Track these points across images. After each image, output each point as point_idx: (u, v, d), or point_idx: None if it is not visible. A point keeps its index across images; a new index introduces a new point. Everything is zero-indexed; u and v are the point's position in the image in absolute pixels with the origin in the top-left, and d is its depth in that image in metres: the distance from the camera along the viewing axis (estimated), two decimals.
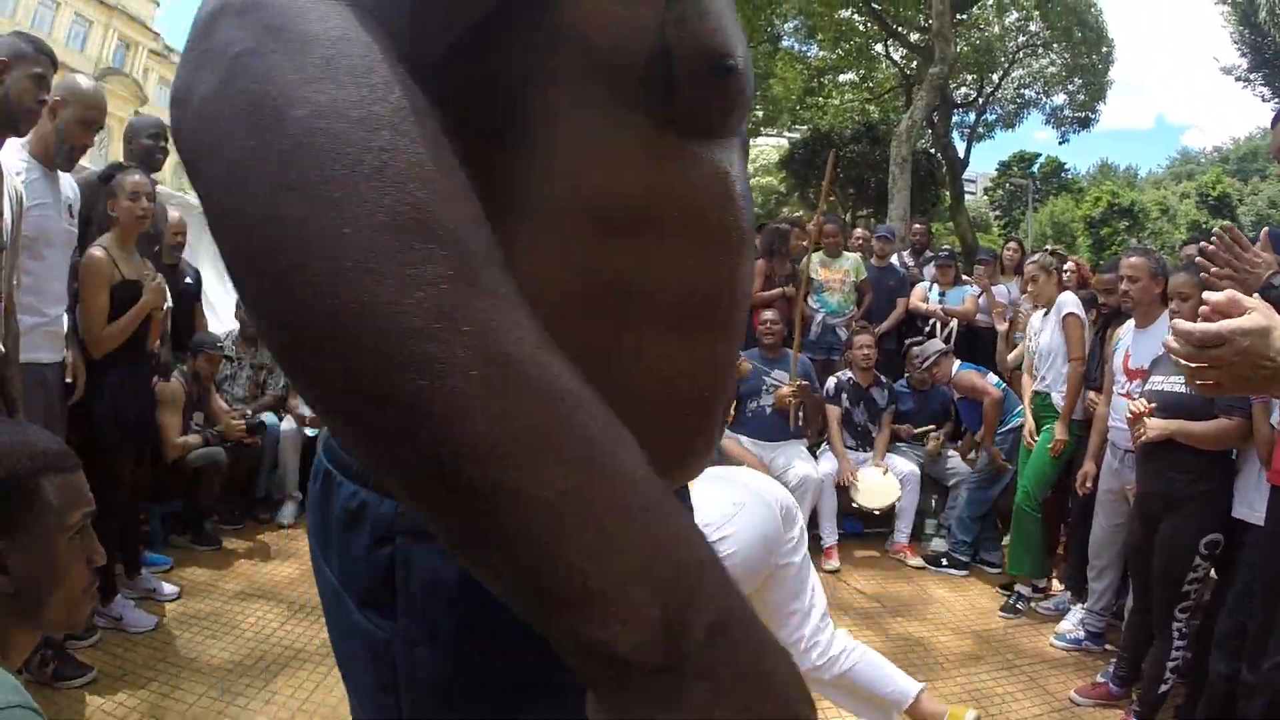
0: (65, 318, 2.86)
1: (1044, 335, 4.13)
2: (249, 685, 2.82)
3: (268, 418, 4.69)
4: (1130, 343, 3.41)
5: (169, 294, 4.47)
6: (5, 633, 1.06)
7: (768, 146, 36.98)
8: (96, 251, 3.02)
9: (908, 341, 5.48)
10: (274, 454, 4.73)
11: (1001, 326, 5.59)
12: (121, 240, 3.13)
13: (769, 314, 4.90)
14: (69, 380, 2.92)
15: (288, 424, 4.75)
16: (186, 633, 3.20)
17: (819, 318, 5.74)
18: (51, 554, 1.08)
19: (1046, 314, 4.16)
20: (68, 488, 1.12)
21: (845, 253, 6.02)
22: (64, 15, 32.72)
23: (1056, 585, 4.22)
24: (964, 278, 6.33)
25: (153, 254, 3.58)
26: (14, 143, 2.62)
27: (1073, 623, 3.68)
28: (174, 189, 6.85)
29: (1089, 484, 3.64)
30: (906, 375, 5.22)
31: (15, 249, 2.36)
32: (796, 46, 23.03)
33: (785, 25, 21.73)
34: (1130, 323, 3.48)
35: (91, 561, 1.14)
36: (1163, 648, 2.82)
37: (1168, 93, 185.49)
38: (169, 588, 3.52)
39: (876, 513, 4.72)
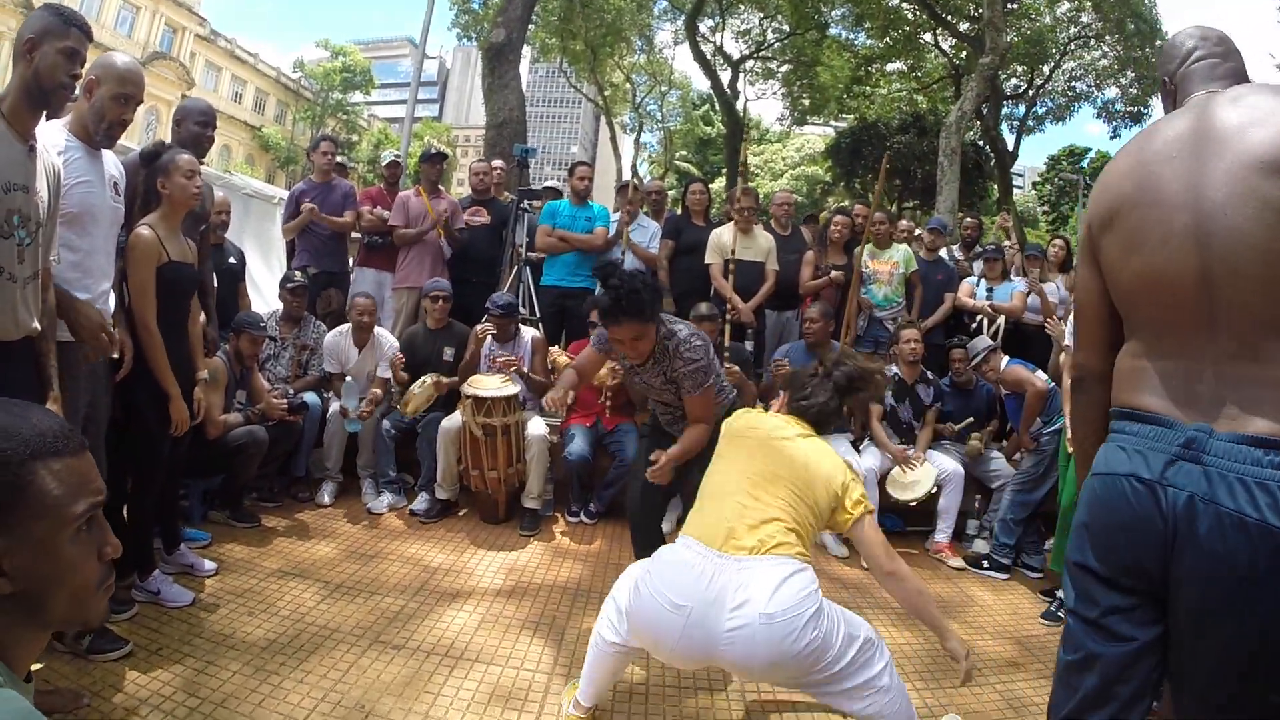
0: (111, 295, 2.87)
1: None
2: (283, 664, 2.83)
3: (309, 397, 4.73)
4: None
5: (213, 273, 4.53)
6: (9, 636, 0.96)
7: (814, 136, 36.61)
8: (144, 230, 3.00)
9: (951, 340, 5.36)
10: (315, 433, 4.77)
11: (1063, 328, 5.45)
12: (169, 219, 3.11)
13: (814, 311, 4.83)
14: (115, 356, 2.94)
15: (335, 406, 4.79)
16: (223, 609, 3.23)
17: (866, 311, 5.68)
18: (54, 550, 0.96)
19: None
20: (70, 474, 0.99)
21: (896, 244, 5.91)
22: (111, 1, 33.33)
23: None
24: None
25: (199, 234, 3.59)
26: (56, 122, 2.64)
27: None
28: (219, 171, 6.93)
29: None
30: (950, 375, 5.12)
31: (52, 225, 2.36)
32: (844, 34, 22.66)
33: (833, 12, 21.36)
34: None
35: (103, 555, 1.02)
36: None
37: None
38: (207, 564, 3.56)
39: (913, 503, 4.63)
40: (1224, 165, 1.33)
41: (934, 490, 4.59)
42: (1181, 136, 1.41)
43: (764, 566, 2.12)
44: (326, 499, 4.68)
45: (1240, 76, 1.53)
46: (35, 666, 2.52)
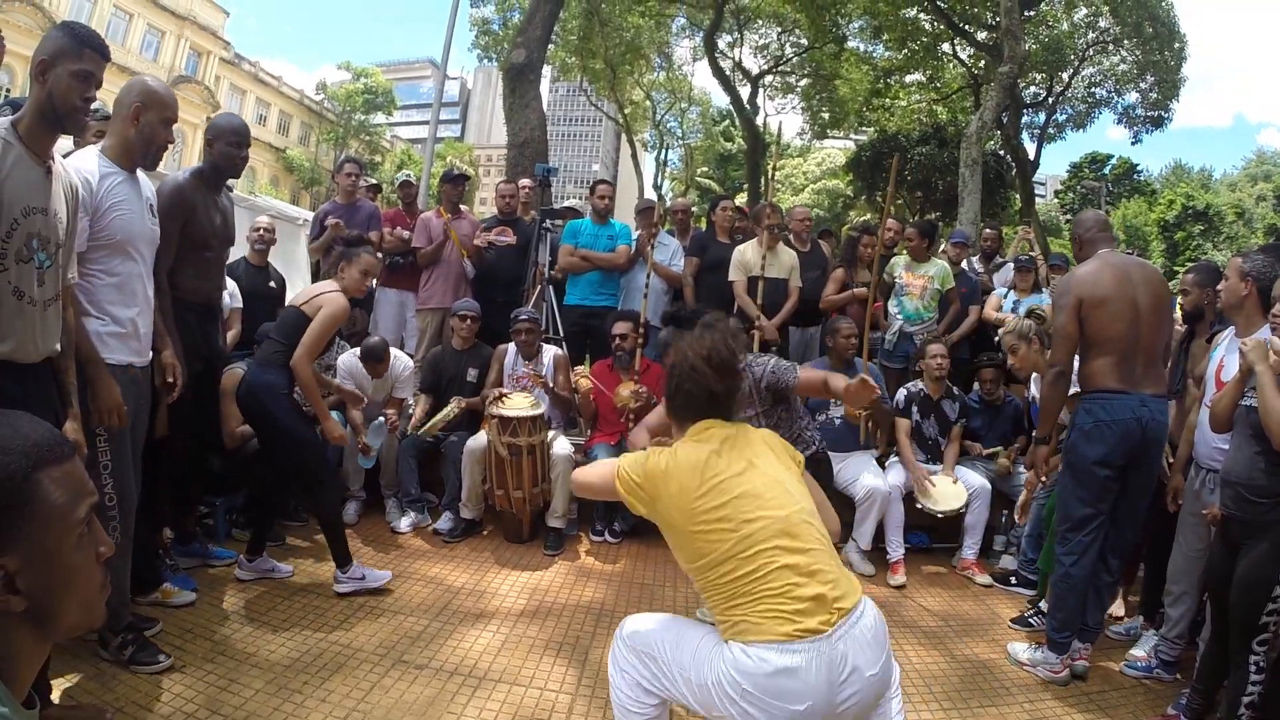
0: (149, 316, 2.88)
1: None
2: (305, 683, 2.83)
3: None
4: (1225, 352, 3.16)
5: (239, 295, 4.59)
6: (14, 651, 0.93)
7: (834, 149, 36.56)
8: (342, 299, 3.64)
9: (979, 358, 5.29)
10: (338, 453, 4.76)
11: None
12: None
13: (846, 326, 4.76)
14: (170, 380, 3.04)
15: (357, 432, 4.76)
16: (246, 627, 3.24)
17: (896, 325, 5.61)
18: (62, 559, 0.94)
19: None
20: (68, 479, 0.96)
21: (935, 259, 5.85)
22: (137, 26, 34.04)
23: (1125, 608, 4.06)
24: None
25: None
26: (91, 148, 2.69)
27: (1145, 649, 3.49)
28: (244, 193, 7.02)
29: (1179, 499, 3.43)
30: (979, 392, 5.07)
31: (70, 244, 2.38)
32: (862, 47, 22.67)
33: (851, 25, 21.37)
34: (1229, 331, 3.26)
35: (99, 556, 1.01)
36: (1238, 682, 2.65)
37: (1247, 89, 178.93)
38: (285, 567, 3.82)
39: (940, 515, 4.55)
40: (1143, 290, 3.26)
41: (962, 510, 4.52)
42: (1123, 274, 3.28)
43: (858, 629, 1.83)
44: (350, 518, 4.69)
45: (1113, 239, 3.57)
46: (59, 683, 2.55)
